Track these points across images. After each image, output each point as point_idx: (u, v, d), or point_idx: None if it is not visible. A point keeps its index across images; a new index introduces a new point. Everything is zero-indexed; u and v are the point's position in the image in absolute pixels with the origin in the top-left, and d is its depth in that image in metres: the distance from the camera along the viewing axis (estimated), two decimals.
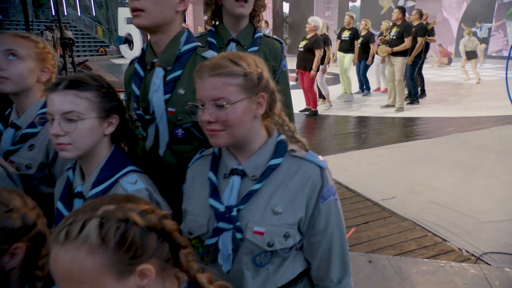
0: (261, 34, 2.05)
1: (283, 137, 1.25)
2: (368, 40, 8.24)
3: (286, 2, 19.84)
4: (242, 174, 1.18)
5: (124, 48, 17.64)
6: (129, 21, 17.44)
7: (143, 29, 1.58)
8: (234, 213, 1.14)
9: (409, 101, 7.58)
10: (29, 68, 1.63)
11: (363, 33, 8.28)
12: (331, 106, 7.59)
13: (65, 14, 22.81)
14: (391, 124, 6.36)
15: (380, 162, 4.49)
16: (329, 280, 1.29)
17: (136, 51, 17.04)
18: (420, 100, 7.83)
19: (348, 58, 8.06)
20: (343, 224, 1.27)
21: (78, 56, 17.49)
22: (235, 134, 1.16)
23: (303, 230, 1.23)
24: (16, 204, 0.98)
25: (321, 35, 7.11)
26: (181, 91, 1.60)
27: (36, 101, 1.69)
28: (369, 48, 8.34)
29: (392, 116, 6.80)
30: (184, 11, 1.60)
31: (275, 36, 2.10)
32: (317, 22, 7.10)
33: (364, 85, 8.78)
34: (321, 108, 7.37)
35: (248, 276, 1.20)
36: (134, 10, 1.46)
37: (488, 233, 2.89)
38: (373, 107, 7.63)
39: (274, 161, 1.20)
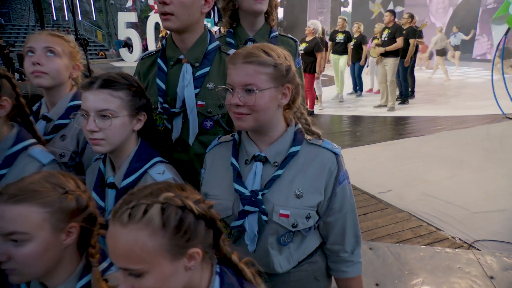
0: (277, 33, 2.04)
1: (299, 126, 1.28)
2: (361, 42, 8.28)
3: (281, 7, 19.78)
4: (264, 160, 1.19)
5: (123, 51, 17.57)
6: (128, 25, 17.36)
7: (172, 31, 1.60)
8: (260, 197, 1.16)
9: (400, 101, 7.60)
10: (64, 65, 1.66)
11: (355, 35, 8.30)
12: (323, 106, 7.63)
13: (66, 19, 22.73)
14: (384, 123, 6.40)
15: (375, 158, 4.52)
16: (344, 251, 1.33)
17: (136, 54, 16.96)
18: (409, 100, 7.84)
19: (343, 60, 8.07)
20: (354, 204, 1.31)
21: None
22: (260, 119, 1.18)
23: (321, 211, 1.27)
24: (71, 186, 1.00)
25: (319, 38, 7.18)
26: (211, 86, 1.62)
27: (65, 94, 1.72)
28: (362, 50, 8.37)
29: (385, 115, 6.84)
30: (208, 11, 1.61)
31: (290, 35, 2.12)
32: (316, 25, 7.14)
33: (358, 86, 8.79)
34: (315, 108, 7.39)
35: (273, 255, 1.22)
36: (163, 14, 1.49)
37: (478, 223, 2.94)
38: (366, 107, 7.66)
39: (294, 149, 1.22)
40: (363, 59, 8.35)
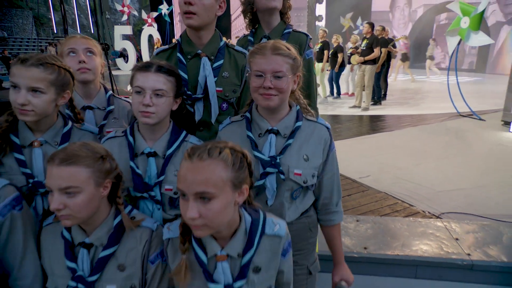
0: (290, 29, 2.02)
1: (298, 107, 1.41)
2: (336, 51, 8.47)
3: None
4: (276, 133, 1.30)
5: (119, 61, 17.25)
6: (124, 37, 17.02)
7: (192, 28, 1.65)
8: (278, 161, 1.27)
9: (373, 103, 7.80)
10: (100, 62, 1.76)
11: (334, 45, 8.50)
12: None
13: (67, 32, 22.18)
14: (360, 121, 6.56)
15: (354, 150, 4.71)
16: (331, 204, 1.47)
17: (131, 63, 16.57)
18: (382, 102, 8.05)
19: (319, 66, 8.25)
20: (338, 167, 1.47)
21: None
22: (283, 99, 1.30)
23: (319, 172, 1.41)
24: (103, 152, 1.12)
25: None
26: (226, 74, 1.70)
27: (99, 87, 1.81)
28: (337, 57, 8.57)
29: (360, 114, 7.01)
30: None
31: (303, 31, 2.10)
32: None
33: (336, 90, 8.97)
34: None
35: (287, 207, 1.35)
36: (187, 12, 1.56)
37: (442, 199, 3.14)
38: (343, 108, 7.81)
39: (298, 123, 1.35)
40: (337, 66, 8.51)
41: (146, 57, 16.87)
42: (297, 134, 1.34)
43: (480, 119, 6.20)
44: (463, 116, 6.48)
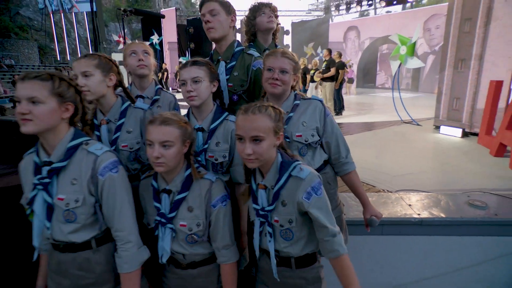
0: (279, 46, 2.18)
1: (296, 92, 1.53)
2: (305, 72, 8.84)
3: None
4: None
5: None
6: (120, 63, 16.82)
7: (214, 40, 1.73)
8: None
9: (335, 113, 8.12)
10: (153, 62, 1.90)
11: (301, 67, 8.84)
12: None
13: (69, 59, 21.77)
14: None
15: None
16: (341, 157, 1.55)
17: (125, 84, 16.39)
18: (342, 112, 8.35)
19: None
20: (339, 128, 1.56)
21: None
22: (285, 89, 1.44)
23: (320, 133, 1.50)
24: (187, 121, 1.28)
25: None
26: (235, 73, 1.75)
27: (150, 82, 1.89)
28: (306, 77, 8.92)
29: None
30: (234, 26, 1.76)
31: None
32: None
33: None
34: None
35: None
36: (208, 28, 1.66)
37: (396, 181, 3.34)
38: None
39: (296, 102, 1.48)
40: (307, 83, 8.88)
41: None
42: (296, 109, 1.46)
43: (418, 125, 6.46)
44: (405, 122, 6.74)
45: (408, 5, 18.27)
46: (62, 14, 20.39)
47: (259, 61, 1.74)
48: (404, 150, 4.70)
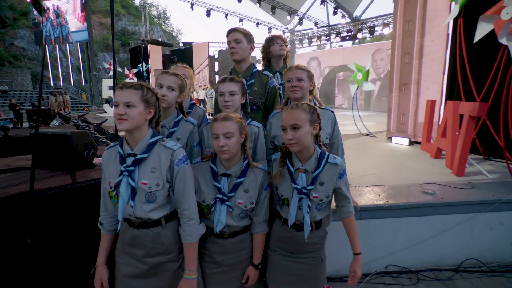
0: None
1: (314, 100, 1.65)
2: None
3: (217, 61, 19.07)
4: None
5: (106, 106, 16.46)
6: (110, 88, 16.40)
7: (235, 61, 1.87)
8: None
9: None
10: (190, 82, 1.94)
11: None
12: None
13: (61, 85, 20.91)
14: None
15: None
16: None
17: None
18: None
19: None
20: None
21: (72, 112, 16.26)
22: (304, 93, 1.59)
23: (330, 136, 1.64)
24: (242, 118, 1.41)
25: None
26: (255, 89, 1.89)
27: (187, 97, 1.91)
28: None
29: None
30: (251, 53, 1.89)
31: None
32: None
33: None
34: None
35: None
36: (232, 53, 1.82)
37: (364, 179, 3.53)
38: None
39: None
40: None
41: None
42: None
43: (374, 136, 6.81)
44: (364, 135, 7.05)
45: (356, 41, 19.77)
46: (57, 45, 19.71)
47: (273, 80, 1.93)
48: (365, 156, 4.94)
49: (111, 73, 17.04)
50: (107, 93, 16.11)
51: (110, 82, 16.46)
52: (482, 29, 3.55)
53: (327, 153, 1.36)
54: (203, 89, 15.43)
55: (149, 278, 1.27)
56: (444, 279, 2.49)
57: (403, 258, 2.66)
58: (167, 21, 34.19)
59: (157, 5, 30.00)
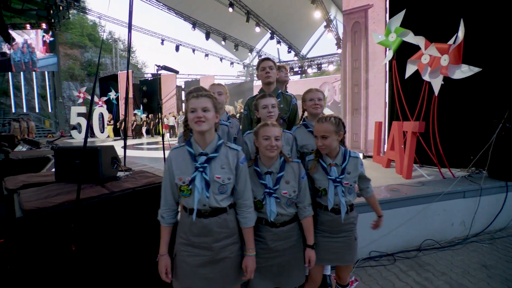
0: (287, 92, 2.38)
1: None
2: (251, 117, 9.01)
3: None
4: None
5: (74, 132, 15.15)
6: (79, 115, 15.14)
7: (268, 84, 2.05)
8: None
9: None
10: (224, 98, 2.05)
11: (242, 110, 8.81)
12: None
13: (25, 111, 18.66)
14: None
15: None
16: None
17: (83, 134, 14.92)
18: None
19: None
20: None
21: (36, 138, 14.60)
22: (323, 110, 1.81)
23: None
24: None
25: (232, 114, 8.00)
26: (281, 105, 2.10)
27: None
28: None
29: None
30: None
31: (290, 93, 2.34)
32: (228, 108, 8.08)
33: None
34: None
35: None
36: (267, 83, 2.03)
37: None
38: None
39: None
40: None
41: (96, 130, 15.19)
42: None
43: None
44: None
45: (304, 75, 21.55)
46: (22, 72, 17.86)
47: (295, 99, 2.19)
48: None
49: (80, 100, 15.90)
50: (75, 120, 14.84)
51: (79, 109, 15.25)
52: (410, 69, 4.37)
53: (348, 150, 1.62)
54: (172, 116, 15.29)
55: (217, 263, 1.33)
56: (412, 257, 2.85)
57: (382, 244, 2.96)
58: (133, 54, 33.58)
59: (124, 39, 29.40)
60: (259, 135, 1.48)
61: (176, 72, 3.66)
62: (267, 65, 2.05)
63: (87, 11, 18.99)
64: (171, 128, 14.39)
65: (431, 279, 2.44)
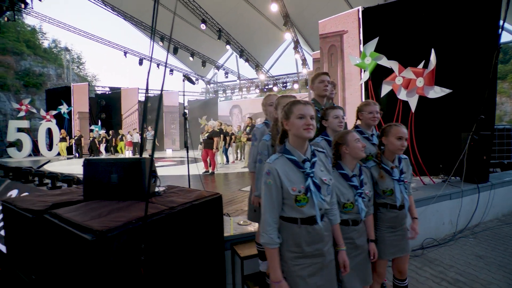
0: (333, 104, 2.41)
1: None
2: (212, 135, 7.18)
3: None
4: None
5: (11, 150, 12.96)
6: (19, 130, 13.11)
7: (324, 96, 2.13)
8: None
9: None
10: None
11: (209, 131, 7.30)
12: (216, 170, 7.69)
13: None
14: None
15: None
16: None
17: (26, 152, 12.71)
18: None
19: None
20: None
21: None
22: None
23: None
24: None
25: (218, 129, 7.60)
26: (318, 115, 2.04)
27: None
28: (225, 139, 8.93)
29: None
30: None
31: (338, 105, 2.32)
32: (213, 124, 7.85)
33: (226, 158, 9.48)
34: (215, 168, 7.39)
35: None
36: (325, 89, 2.09)
37: None
38: (236, 168, 8.20)
39: None
40: (214, 146, 7.13)
41: (42, 147, 13.18)
42: None
43: None
44: None
45: (267, 92, 22.36)
46: None
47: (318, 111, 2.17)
48: None
49: (23, 113, 13.75)
50: (14, 136, 12.71)
51: (18, 124, 13.08)
52: (385, 89, 4.93)
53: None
54: (137, 132, 14.16)
55: (326, 268, 1.30)
56: (418, 255, 3.10)
57: None
58: (80, 66, 30.51)
59: (71, 49, 26.80)
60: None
61: (192, 83, 3.50)
62: (326, 79, 2.12)
63: (23, 14, 16.67)
64: (135, 146, 13.28)
65: (444, 272, 2.65)
